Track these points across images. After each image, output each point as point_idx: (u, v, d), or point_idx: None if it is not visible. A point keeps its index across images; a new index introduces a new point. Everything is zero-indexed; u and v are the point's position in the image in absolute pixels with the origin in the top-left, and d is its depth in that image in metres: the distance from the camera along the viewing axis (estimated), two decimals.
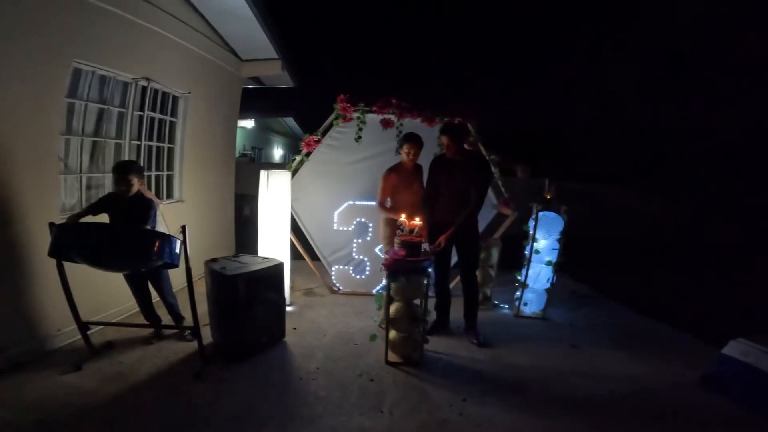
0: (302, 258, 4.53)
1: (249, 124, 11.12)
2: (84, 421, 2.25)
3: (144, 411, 2.38)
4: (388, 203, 3.66)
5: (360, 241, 4.45)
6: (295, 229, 4.44)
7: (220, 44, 4.86)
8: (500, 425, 2.37)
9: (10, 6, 2.49)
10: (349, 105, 4.20)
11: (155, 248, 2.53)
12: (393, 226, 3.57)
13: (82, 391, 2.52)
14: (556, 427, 2.38)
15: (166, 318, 3.31)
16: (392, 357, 3.07)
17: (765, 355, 2.55)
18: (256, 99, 7.39)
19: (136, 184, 2.87)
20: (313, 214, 4.55)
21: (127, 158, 3.66)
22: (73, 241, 2.46)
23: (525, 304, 3.96)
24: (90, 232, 2.50)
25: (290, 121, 10.98)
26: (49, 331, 2.94)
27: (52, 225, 2.53)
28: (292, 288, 4.42)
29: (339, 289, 4.60)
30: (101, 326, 3.19)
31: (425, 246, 3.16)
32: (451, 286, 3.79)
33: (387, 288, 3.00)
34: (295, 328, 3.60)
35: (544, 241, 3.85)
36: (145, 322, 3.16)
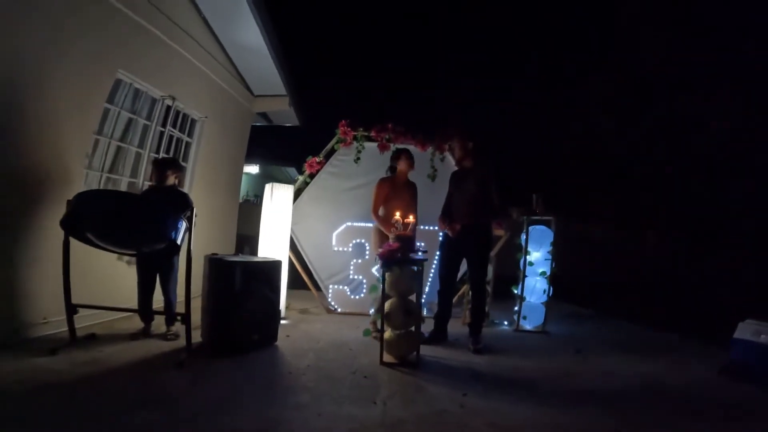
0: (297, 288, 4.58)
1: (254, 170, 11.62)
2: (42, 395, 2.11)
3: (110, 391, 2.22)
4: (381, 212, 3.78)
5: (358, 261, 4.51)
6: (295, 255, 4.54)
7: (236, 77, 5.34)
8: (507, 416, 2.18)
9: (69, 13, 2.89)
10: (349, 129, 4.54)
11: (163, 218, 2.66)
12: (384, 237, 3.66)
13: (49, 370, 2.39)
14: (571, 417, 2.21)
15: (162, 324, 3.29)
16: (388, 358, 2.99)
17: None
18: (262, 142, 7.90)
19: (171, 177, 3.23)
20: (312, 238, 4.66)
21: (144, 168, 3.92)
22: (90, 207, 2.59)
23: (524, 318, 3.92)
24: (109, 193, 2.68)
25: (293, 172, 11.53)
26: (35, 319, 2.90)
27: (69, 202, 2.66)
28: (287, 307, 4.37)
29: (335, 309, 4.54)
30: (88, 313, 3.08)
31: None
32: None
33: (381, 280, 3.01)
34: (288, 336, 3.52)
35: (537, 254, 3.95)
36: (136, 315, 3.17)
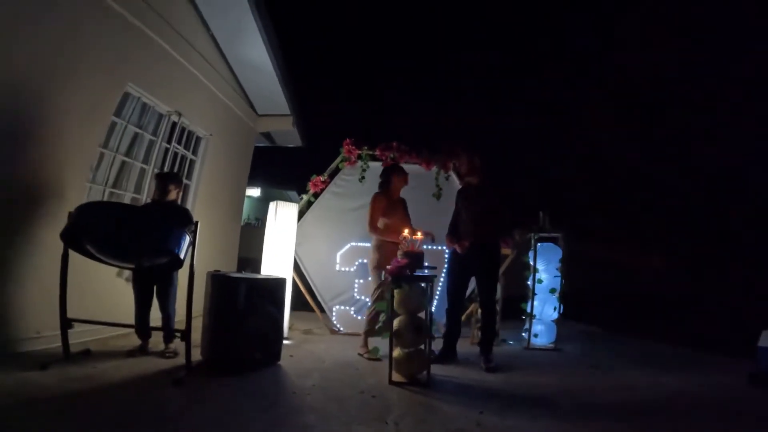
0: (300, 309, 4.47)
1: (255, 192, 11.63)
2: (29, 410, 1.98)
3: (103, 408, 2.10)
4: (380, 224, 3.71)
5: (362, 281, 4.41)
6: (298, 275, 4.45)
7: (241, 95, 5.40)
8: None
9: (83, 23, 2.93)
10: (354, 147, 4.53)
11: (167, 231, 2.59)
12: (384, 251, 3.59)
13: (38, 384, 2.27)
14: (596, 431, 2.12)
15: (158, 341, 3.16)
16: (396, 377, 2.85)
17: None
18: (263, 163, 7.94)
19: (173, 192, 3.16)
20: (315, 259, 4.58)
21: (148, 184, 3.88)
22: (92, 219, 2.53)
23: (535, 336, 3.80)
24: (111, 205, 2.61)
25: (293, 195, 11.57)
26: (28, 333, 2.79)
27: (70, 213, 2.60)
28: (290, 328, 4.23)
29: (339, 330, 4.40)
30: (83, 329, 2.95)
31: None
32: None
33: (390, 298, 2.93)
34: (291, 356, 3.38)
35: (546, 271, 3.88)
36: (133, 333, 3.06)
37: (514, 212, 3.73)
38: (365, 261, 4.40)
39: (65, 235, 2.54)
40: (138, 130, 3.77)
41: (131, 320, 3.12)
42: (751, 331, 3.03)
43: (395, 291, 2.92)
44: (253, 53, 4.56)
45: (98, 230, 2.55)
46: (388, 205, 3.71)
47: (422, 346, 2.90)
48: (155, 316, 3.17)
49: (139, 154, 3.86)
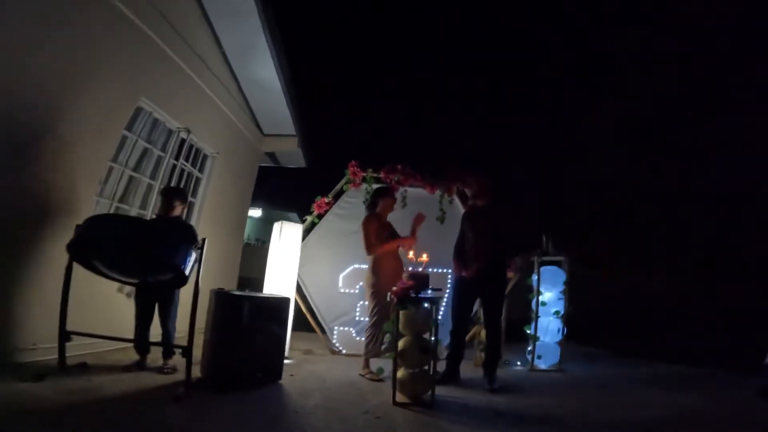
0: (300, 329, 4.42)
1: (256, 213, 11.66)
2: (21, 421, 1.93)
3: (98, 422, 2.04)
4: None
5: (364, 303, 4.37)
6: (300, 296, 4.41)
7: (248, 115, 5.51)
8: None
9: (101, 35, 3.01)
10: (359, 170, 4.59)
11: (174, 247, 2.59)
12: (381, 273, 3.54)
13: (33, 395, 2.22)
14: None
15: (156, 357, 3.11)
16: (400, 398, 2.80)
17: None
18: (266, 184, 8.01)
19: (178, 208, 3.16)
20: (317, 281, 4.56)
21: (154, 200, 3.91)
22: (100, 232, 2.53)
23: (539, 357, 3.75)
24: (119, 218, 2.64)
25: (294, 217, 11.61)
26: (24, 345, 2.75)
27: (78, 226, 2.61)
28: (290, 348, 4.17)
29: (340, 350, 4.33)
30: (80, 343, 2.91)
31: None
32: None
33: (395, 320, 2.92)
34: (292, 375, 3.32)
35: (549, 294, 3.88)
36: (131, 348, 3.03)
37: (519, 235, 3.74)
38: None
39: (72, 248, 2.54)
40: (147, 146, 3.83)
41: (129, 334, 3.08)
42: (755, 347, 3.04)
43: (400, 312, 2.91)
44: (263, 72, 4.67)
45: (105, 244, 2.56)
46: (380, 227, 3.67)
47: (426, 367, 2.87)
48: (155, 332, 3.13)
49: (147, 170, 3.90)
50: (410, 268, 3.18)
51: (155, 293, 3.10)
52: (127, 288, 3.38)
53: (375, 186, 4.55)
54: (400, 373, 2.84)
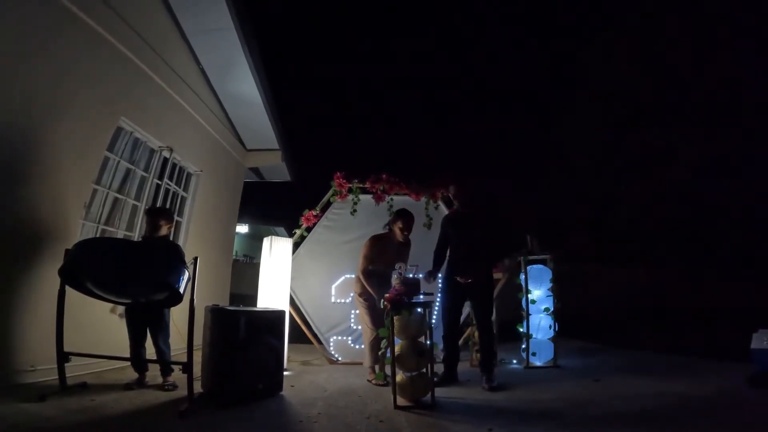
0: (295, 341, 4.41)
1: (243, 229, 11.55)
2: None
3: None
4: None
5: (358, 312, 4.40)
6: (294, 308, 4.42)
7: (230, 130, 5.51)
8: None
9: (80, 57, 3.01)
10: (344, 181, 4.62)
11: (167, 266, 2.59)
12: (369, 281, 3.56)
13: (38, 415, 2.20)
14: None
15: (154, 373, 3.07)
16: (401, 401, 2.83)
17: None
18: (252, 200, 7.98)
19: (164, 228, 3.13)
20: (310, 292, 4.56)
21: (140, 222, 3.87)
22: (91, 256, 2.52)
23: (533, 354, 3.84)
24: (109, 241, 2.67)
25: (282, 231, 11.54)
26: (22, 366, 2.71)
27: (68, 251, 2.59)
28: (288, 359, 4.15)
29: (338, 359, 4.34)
30: (78, 364, 2.87)
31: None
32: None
33: (390, 325, 2.96)
34: (292, 386, 3.32)
35: (538, 291, 3.99)
36: (129, 367, 3.02)
37: (504, 237, 3.83)
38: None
39: (64, 273, 2.52)
40: (130, 166, 3.80)
41: (126, 353, 3.06)
42: (741, 335, 3.18)
43: (394, 318, 2.96)
44: (243, 87, 4.69)
45: (97, 267, 2.55)
46: (385, 246, 3.64)
47: (424, 370, 2.91)
48: (150, 351, 3.10)
49: (131, 191, 3.87)
50: (396, 274, 3.21)
51: (145, 313, 3.07)
52: (120, 309, 3.34)
53: (361, 196, 4.57)
54: (399, 377, 2.89)
